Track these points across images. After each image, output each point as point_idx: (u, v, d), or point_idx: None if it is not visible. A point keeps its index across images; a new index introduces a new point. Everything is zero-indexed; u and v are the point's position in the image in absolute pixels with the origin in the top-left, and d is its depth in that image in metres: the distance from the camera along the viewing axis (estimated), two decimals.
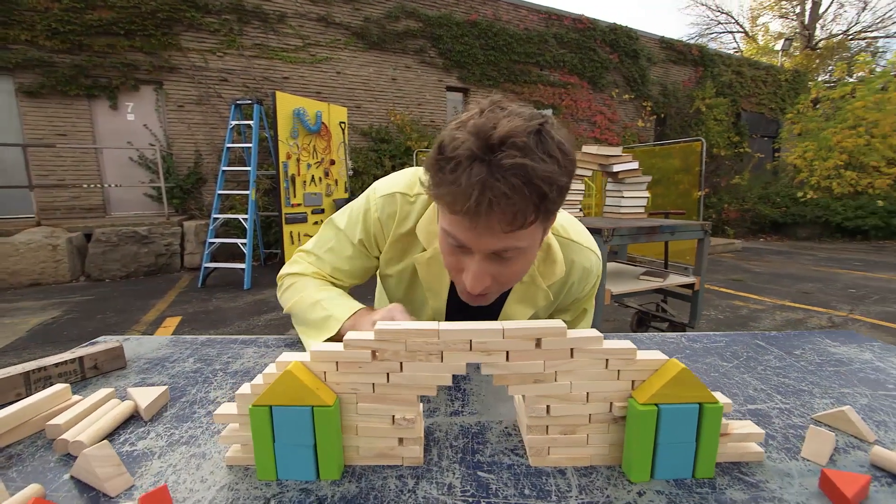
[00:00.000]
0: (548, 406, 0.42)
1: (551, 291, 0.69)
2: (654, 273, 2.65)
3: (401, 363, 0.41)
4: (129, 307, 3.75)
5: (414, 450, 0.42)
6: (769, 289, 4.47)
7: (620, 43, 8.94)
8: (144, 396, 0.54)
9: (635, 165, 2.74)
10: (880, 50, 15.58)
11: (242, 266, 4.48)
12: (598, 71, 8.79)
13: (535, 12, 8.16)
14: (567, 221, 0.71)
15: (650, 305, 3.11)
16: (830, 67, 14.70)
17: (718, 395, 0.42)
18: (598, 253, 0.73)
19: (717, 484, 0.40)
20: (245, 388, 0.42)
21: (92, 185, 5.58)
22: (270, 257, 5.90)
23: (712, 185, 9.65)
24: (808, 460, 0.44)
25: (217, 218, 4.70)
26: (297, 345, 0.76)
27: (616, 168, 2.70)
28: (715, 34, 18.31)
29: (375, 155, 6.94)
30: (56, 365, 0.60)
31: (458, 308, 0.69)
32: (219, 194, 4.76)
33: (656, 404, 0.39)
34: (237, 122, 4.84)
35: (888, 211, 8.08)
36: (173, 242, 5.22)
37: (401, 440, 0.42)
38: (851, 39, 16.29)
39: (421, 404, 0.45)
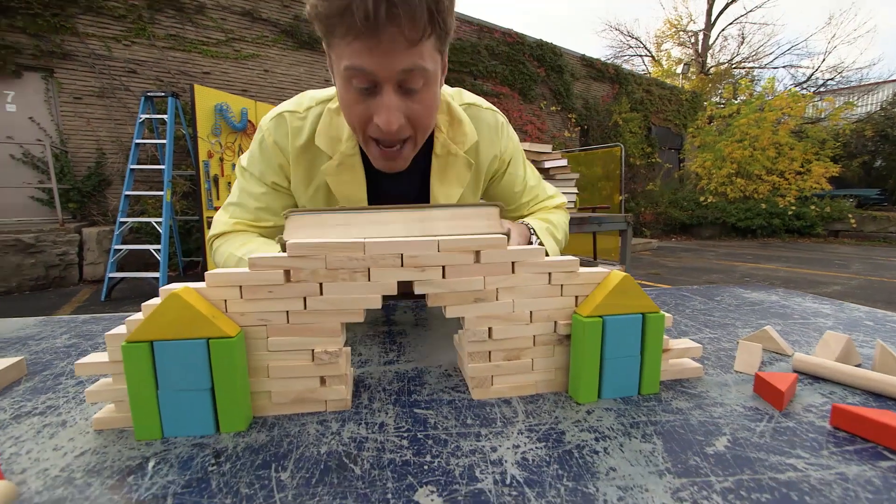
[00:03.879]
0: (489, 329, 0.38)
1: (471, 158, 0.67)
2: (584, 264, 2.80)
3: (320, 284, 0.35)
4: None
5: (339, 390, 0.36)
6: (682, 280, 4.94)
7: (546, 58, 9.52)
8: None
9: (564, 162, 2.89)
10: (756, 78, 18.29)
11: (156, 275, 4.00)
12: (528, 83, 9.26)
13: (467, 23, 8.42)
14: (457, 91, 0.71)
15: None
16: (720, 90, 16.90)
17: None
18: (498, 111, 0.73)
19: (662, 397, 0.39)
20: (118, 329, 0.33)
21: None
22: (191, 266, 5.34)
23: (630, 191, 10.56)
24: (740, 372, 0.44)
25: (124, 222, 4.17)
26: None
27: (547, 164, 2.82)
28: (627, 56, 20.31)
29: None
30: None
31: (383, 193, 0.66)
32: (126, 195, 4.23)
33: (601, 316, 0.37)
34: (147, 116, 4.36)
35: (769, 213, 9.41)
36: (69, 251, 4.53)
37: (323, 380, 0.36)
38: (734, 67, 18.94)
39: (349, 347, 0.40)
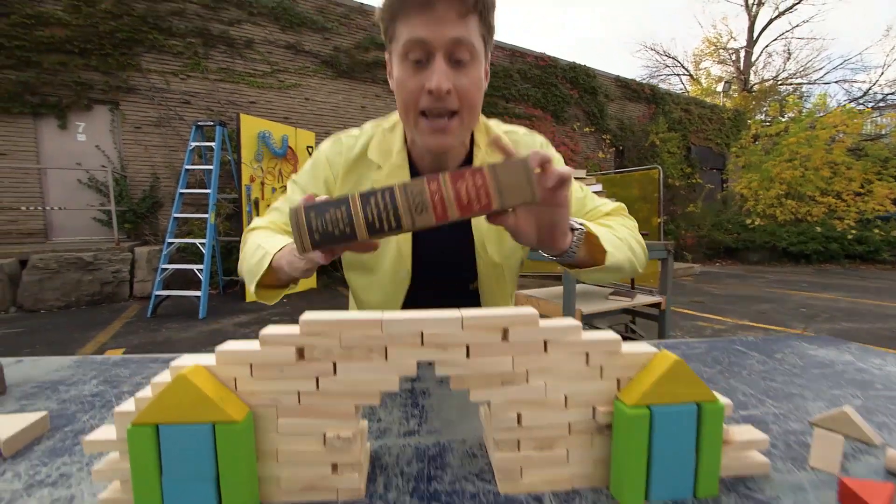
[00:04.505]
0: (519, 414, 0.34)
1: None
2: (621, 293, 2.66)
3: (334, 364, 0.32)
4: (64, 340, 3.38)
5: (352, 479, 0.33)
6: (729, 309, 4.62)
7: (580, 80, 9.48)
8: (9, 426, 0.42)
9: (599, 187, 2.81)
10: (805, 94, 17.41)
11: (198, 294, 4.19)
12: (560, 105, 9.23)
13: (500, 49, 8.56)
14: (494, 121, 0.76)
15: (619, 326, 3.11)
16: (765, 108, 16.19)
17: (718, 397, 0.36)
18: (537, 133, 0.78)
19: (722, 502, 0.33)
20: (128, 405, 0.32)
21: (32, 208, 5.16)
22: (230, 285, 5.57)
23: (669, 213, 10.15)
24: (817, 470, 0.38)
25: (171, 243, 4.42)
26: None
27: None
28: (664, 76, 19.91)
29: None
30: None
31: (425, 232, 0.70)
32: (174, 218, 4.50)
33: (648, 406, 0.33)
34: (197, 144, 4.66)
35: (825, 237, 8.73)
36: (122, 269, 4.84)
37: (335, 466, 0.33)
38: (780, 84, 18.13)
39: (364, 421, 0.37)
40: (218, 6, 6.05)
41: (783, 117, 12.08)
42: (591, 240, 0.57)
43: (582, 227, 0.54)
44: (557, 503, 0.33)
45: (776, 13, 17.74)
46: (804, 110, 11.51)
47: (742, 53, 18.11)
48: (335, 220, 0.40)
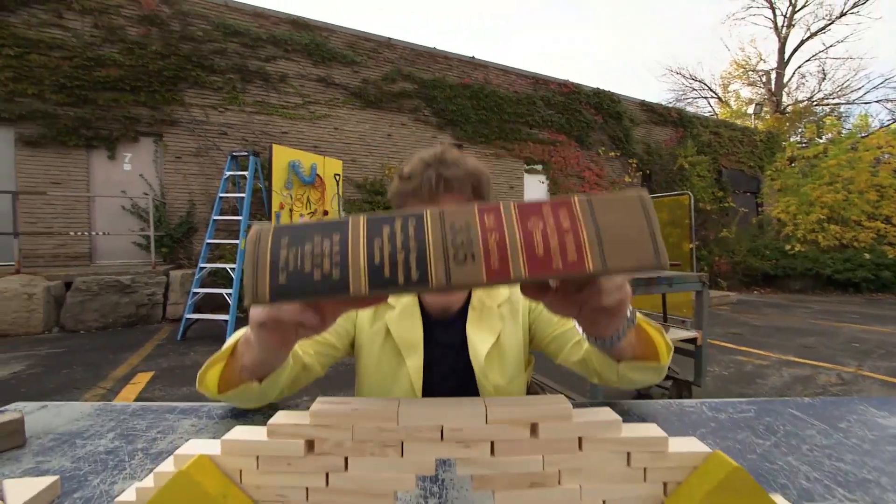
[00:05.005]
0: None
1: (505, 311, 0.75)
2: None
3: (345, 459, 0.30)
4: (99, 361, 3.50)
5: None
6: (770, 343, 4.33)
7: (604, 105, 9.47)
8: (21, 492, 0.41)
9: None
10: (843, 115, 16.75)
11: (226, 318, 4.29)
12: (585, 130, 9.21)
13: (523, 77, 8.70)
14: None
15: None
16: (800, 129, 15.63)
17: (777, 500, 0.31)
18: None
19: None
20: (129, 494, 0.30)
21: (79, 233, 5.49)
22: None
23: (701, 238, 9.79)
24: None
25: (203, 267, 4.58)
26: (250, 416, 0.63)
27: None
28: (690, 99, 19.65)
29: (369, 206, 7.01)
30: None
31: (434, 361, 0.72)
32: (207, 243, 4.68)
33: None
34: (232, 173, 4.88)
35: (875, 264, 8.17)
36: (157, 292, 5.03)
37: None
38: (816, 105, 17.54)
39: None
40: (256, 45, 6.45)
41: (820, 139, 11.62)
42: (640, 327, 0.52)
43: (633, 310, 0.47)
44: None
45: (808, 34, 17.37)
46: (843, 131, 11.05)
47: (773, 75, 17.73)
48: (318, 254, 0.25)
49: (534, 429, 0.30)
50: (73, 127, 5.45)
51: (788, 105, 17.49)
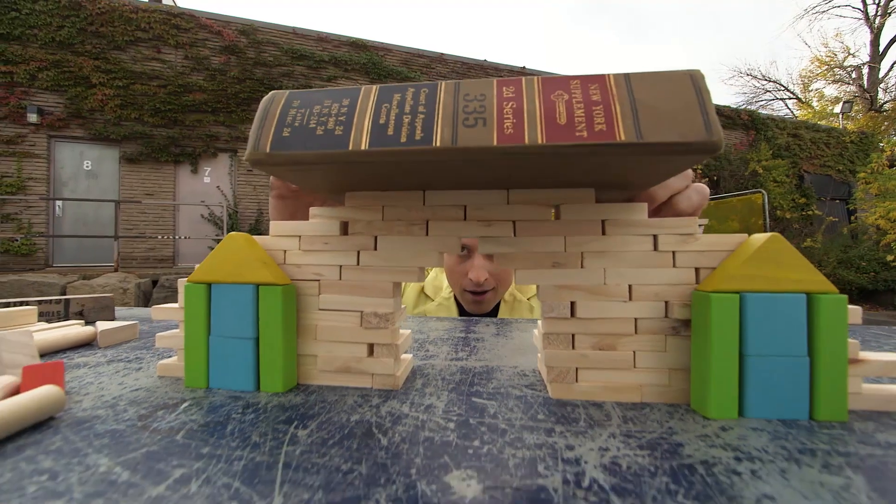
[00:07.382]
0: (572, 304, 0.30)
1: (535, 303, 0.85)
2: None
3: (375, 237, 0.32)
4: None
5: (387, 364, 0.31)
6: None
7: None
8: (108, 325, 0.48)
9: (706, 221, 2.56)
10: None
11: None
12: None
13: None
14: None
15: None
16: None
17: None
18: None
19: (854, 427, 0.25)
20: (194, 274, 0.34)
21: (166, 237, 6.17)
22: None
23: None
24: None
25: None
26: None
27: None
28: (764, 101, 18.14)
29: None
30: (40, 302, 0.57)
31: None
32: None
33: (737, 292, 0.27)
34: None
35: None
36: None
37: (371, 348, 0.32)
38: None
39: (404, 308, 0.35)
40: (319, 66, 6.99)
41: None
42: None
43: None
44: (622, 410, 0.28)
45: None
46: None
47: (865, 70, 15.94)
48: (325, 115, 0.24)
49: (556, 211, 0.30)
50: (164, 145, 6.21)
51: (886, 102, 15.57)
